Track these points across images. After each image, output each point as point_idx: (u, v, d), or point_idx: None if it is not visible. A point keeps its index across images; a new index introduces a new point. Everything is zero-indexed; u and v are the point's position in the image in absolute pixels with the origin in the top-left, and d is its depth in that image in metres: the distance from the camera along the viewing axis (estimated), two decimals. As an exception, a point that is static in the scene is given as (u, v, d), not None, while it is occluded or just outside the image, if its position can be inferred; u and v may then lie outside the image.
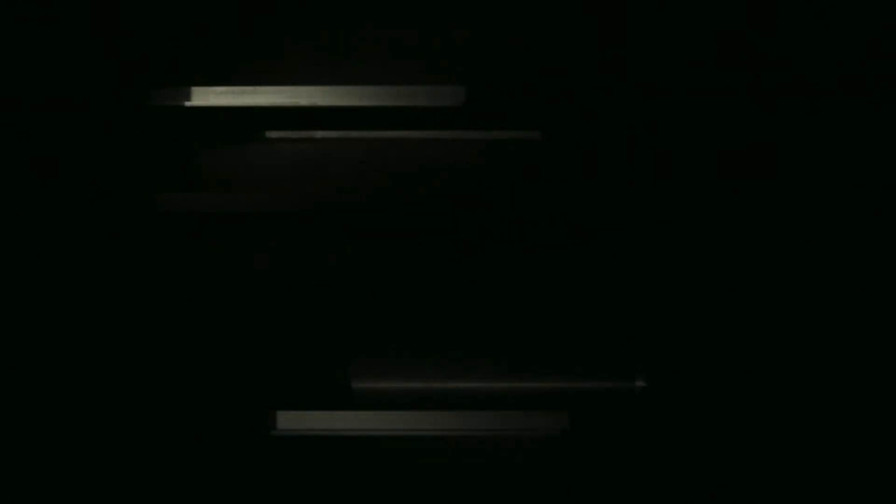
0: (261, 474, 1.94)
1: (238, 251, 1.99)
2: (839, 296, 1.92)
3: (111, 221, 1.96)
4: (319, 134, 2.02)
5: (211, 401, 1.94)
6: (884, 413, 1.90)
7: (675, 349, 1.95)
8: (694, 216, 1.94)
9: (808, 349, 1.92)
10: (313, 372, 1.97)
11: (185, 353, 1.98)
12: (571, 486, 1.92)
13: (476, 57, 1.94)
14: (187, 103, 1.86)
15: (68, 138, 1.95)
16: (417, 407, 1.79)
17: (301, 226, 1.99)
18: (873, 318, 1.92)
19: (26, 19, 1.94)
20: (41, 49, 1.94)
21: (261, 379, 1.98)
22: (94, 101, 1.95)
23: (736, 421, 1.92)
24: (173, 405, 1.93)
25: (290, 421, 1.81)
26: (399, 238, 1.99)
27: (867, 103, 1.92)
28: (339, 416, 1.77)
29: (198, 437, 1.94)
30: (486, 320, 1.93)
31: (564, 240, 1.97)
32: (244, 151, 1.99)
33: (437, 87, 1.84)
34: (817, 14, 1.91)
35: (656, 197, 1.94)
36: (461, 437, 1.90)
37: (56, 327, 1.95)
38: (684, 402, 1.93)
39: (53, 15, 1.94)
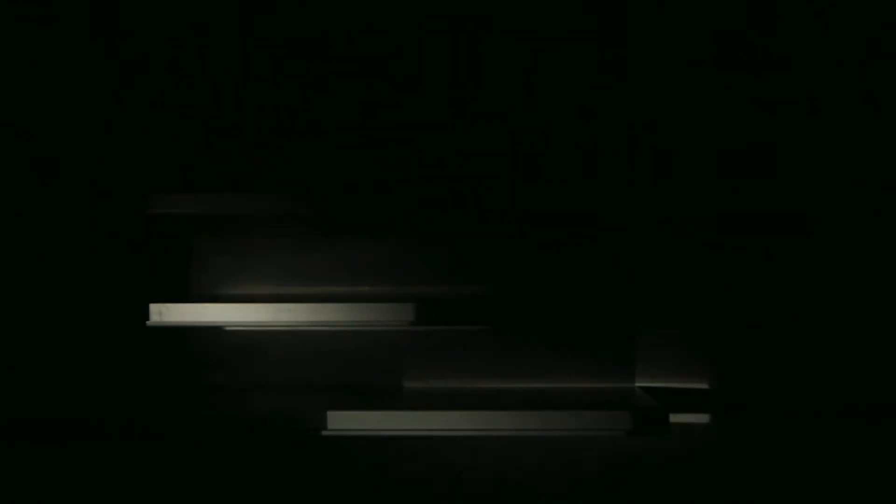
0: (313, 472, 1.97)
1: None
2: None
3: (108, 221, 1.96)
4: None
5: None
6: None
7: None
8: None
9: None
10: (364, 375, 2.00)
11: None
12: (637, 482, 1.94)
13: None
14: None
15: (66, 139, 1.95)
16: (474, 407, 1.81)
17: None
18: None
19: (26, 20, 1.94)
20: (41, 51, 1.94)
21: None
22: (91, 103, 1.95)
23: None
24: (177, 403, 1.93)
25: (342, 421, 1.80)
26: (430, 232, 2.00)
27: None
28: (397, 416, 1.77)
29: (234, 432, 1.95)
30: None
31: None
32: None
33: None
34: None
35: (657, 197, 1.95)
36: (524, 437, 1.93)
37: (55, 325, 1.95)
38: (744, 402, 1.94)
39: (53, 15, 1.95)
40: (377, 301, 1.86)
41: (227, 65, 1.98)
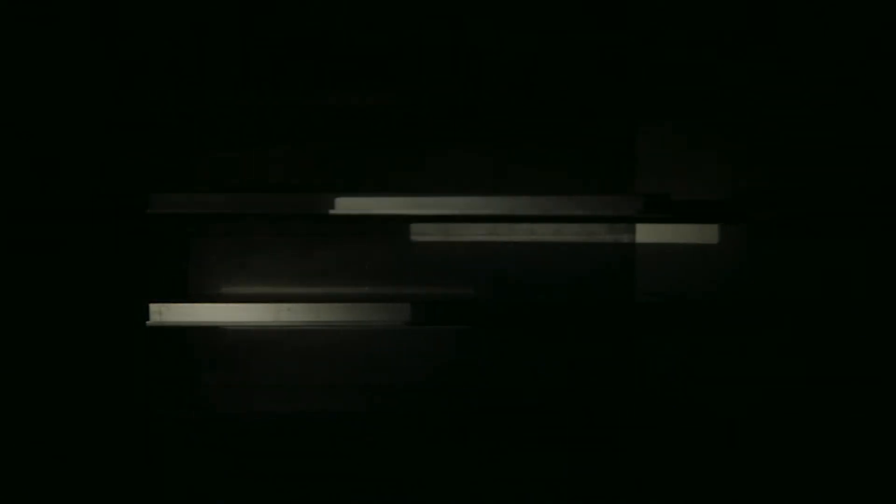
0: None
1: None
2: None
3: (108, 221, 1.96)
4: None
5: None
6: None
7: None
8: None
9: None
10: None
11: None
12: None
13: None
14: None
15: (66, 139, 1.96)
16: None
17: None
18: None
19: (27, 19, 1.95)
20: (41, 50, 1.94)
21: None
22: (91, 103, 1.95)
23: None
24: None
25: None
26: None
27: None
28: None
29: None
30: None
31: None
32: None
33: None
34: None
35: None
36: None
37: (55, 325, 1.95)
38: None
39: (54, 15, 1.95)
40: (376, 301, 1.87)
41: (226, 64, 1.98)
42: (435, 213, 1.83)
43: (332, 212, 1.83)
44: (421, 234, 2.01)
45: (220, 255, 2.02)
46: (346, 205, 1.86)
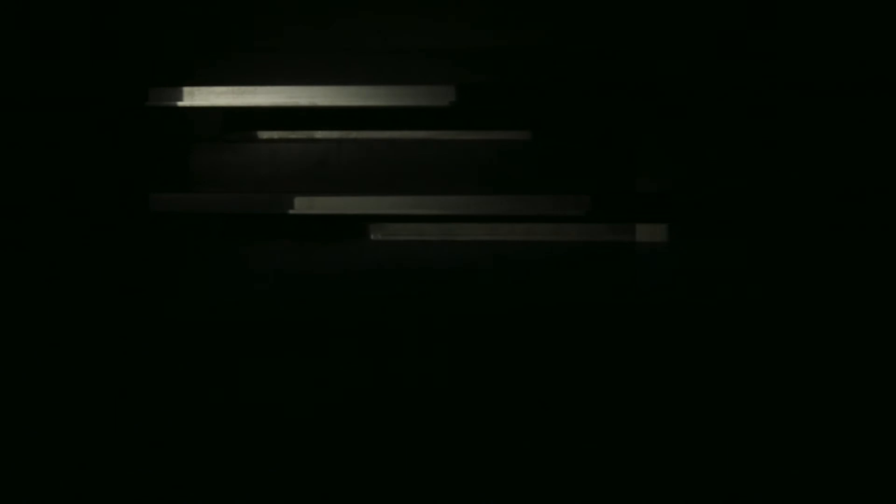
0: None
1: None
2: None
3: (108, 220, 1.97)
4: (319, 134, 2.02)
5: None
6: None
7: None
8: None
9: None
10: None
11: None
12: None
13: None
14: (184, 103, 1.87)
15: (66, 138, 1.96)
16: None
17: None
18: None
19: (26, 19, 1.95)
20: (40, 49, 1.95)
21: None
22: (91, 101, 1.96)
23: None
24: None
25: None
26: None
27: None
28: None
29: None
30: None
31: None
32: (241, 151, 2.00)
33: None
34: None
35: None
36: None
37: (53, 323, 1.96)
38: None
39: (52, 15, 1.95)
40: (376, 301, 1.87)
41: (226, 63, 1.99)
42: (432, 213, 1.83)
43: (319, 212, 1.84)
44: (419, 234, 2.01)
45: (221, 255, 2.03)
46: (326, 205, 1.86)
